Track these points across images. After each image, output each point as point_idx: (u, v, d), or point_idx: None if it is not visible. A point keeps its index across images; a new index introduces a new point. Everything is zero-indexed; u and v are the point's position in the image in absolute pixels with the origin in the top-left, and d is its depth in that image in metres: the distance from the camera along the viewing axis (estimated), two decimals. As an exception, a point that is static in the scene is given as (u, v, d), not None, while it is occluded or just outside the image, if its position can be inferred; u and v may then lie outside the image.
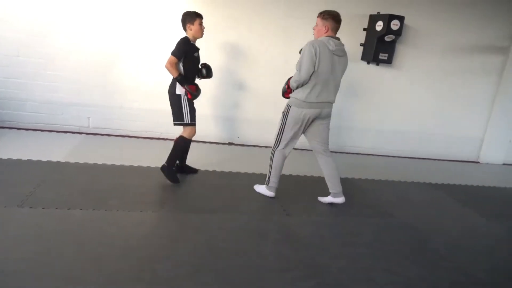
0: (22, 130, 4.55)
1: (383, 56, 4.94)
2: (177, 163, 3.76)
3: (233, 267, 2.41)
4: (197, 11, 3.55)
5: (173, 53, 3.34)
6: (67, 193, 3.09)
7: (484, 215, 3.77)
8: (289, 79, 3.33)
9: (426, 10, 5.18)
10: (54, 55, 4.49)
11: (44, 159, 3.72)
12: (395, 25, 4.72)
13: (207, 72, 3.67)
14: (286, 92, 3.40)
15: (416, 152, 5.82)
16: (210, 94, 4.94)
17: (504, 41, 5.52)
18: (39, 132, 4.57)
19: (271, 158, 3.43)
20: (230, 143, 5.17)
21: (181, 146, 3.59)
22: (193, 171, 3.92)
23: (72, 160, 3.79)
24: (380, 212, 3.54)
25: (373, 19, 4.95)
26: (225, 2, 4.66)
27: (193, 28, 3.45)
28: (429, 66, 5.45)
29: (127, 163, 3.89)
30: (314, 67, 3.08)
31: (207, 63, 3.71)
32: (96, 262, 2.26)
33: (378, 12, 4.94)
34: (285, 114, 3.29)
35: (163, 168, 3.55)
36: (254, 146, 5.19)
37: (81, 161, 3.80)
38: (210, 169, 4.06)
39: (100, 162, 3.82)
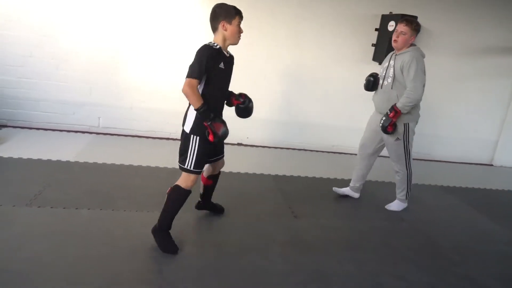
0: (34, 130, 4.61)
1: (394, 57, 4.87)
2: (199, 200, 3.03)
3: (237, 269, 2.39)
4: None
5: (189, 74, 2.30)
6: (75, 192, 3.11)
7: (496, 219, 3.67)
8: (394, 110, 3.12)
9: (439, 10, 5.08)
10: (66, 55, 4.54)
11: (54, 158, 3.76)
12: (407, 25, 4.65)
13: (243, 110, 2.75)
14: (391, 123, 3.15)
15: (429, 155, 5.72)
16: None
17: (520, 42, 5.38)
18: (51, 131, 4.63)
19: (408, 176, 3.45)
20: (239, 144, 5.15)
21: (176, 200, 2.49)
22: (219, 209, 3.11)
23: (81, 160, 3.82)
24: (389, 216, 3.48)
25: (385, 19, 4.87)
26: (236, 3, 4.63)
27: (229, 29, 2.43)
28: (442, 67, 5.34)
29: (135, 163, 3.91)
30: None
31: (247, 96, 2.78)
32: (101, 263, 2.27)
33: (390, 12, 4.86)
34: (406, 134, 3.26)
35: (153, 231, 2.52)
36: (263, 147, 5.17)
37: (91, 160, 3.83)
38: (218, 170, 4.05)
39: (109, 162, 3.85)
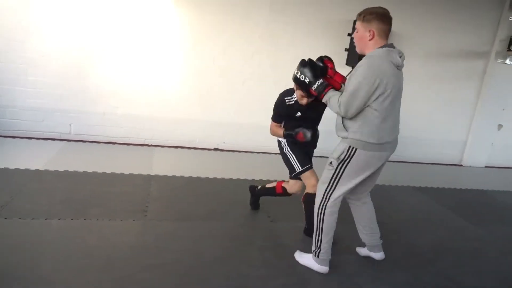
0: (1, 138, 4.41)
1: (367, 61, 4.96)
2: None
3: (218, 275, 2.36)
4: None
5: (272, 117, 2.91)
6: (45, 202, 3.00)
7: (468, 218, 3.79)
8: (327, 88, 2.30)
9: (410, 15, 5.24)
10: (35, 60, 4.39)
11: (23, 167, 3.61)
12: (379, 30, 4.75)
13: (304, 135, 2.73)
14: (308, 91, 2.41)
15: (400, 156, 5.84)
16: (194, 99, 4.90)
17: (485, 46, 5.61)
18: (19, 139, 4.45)
19: (318, 227, 2.45)
20: (215, 149, 5.12)
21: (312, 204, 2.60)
22: (255, 206, 3.39)
23: (51, 168, 3.69)
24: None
25: (357, 24, 4.97)
26: (211, 7, 4.63)
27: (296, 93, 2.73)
28: (412, 71, 5.49)
29: (109, 171, 3.80)
30: (374, 99, 2.18)
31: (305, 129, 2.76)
32: (73, 274, 2.19)
33: (362, 18, 4.97)
34: (344, 163, 2.35)
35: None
36: (240, 151, 5.15)
37: (61, 169, 3.70)
38: (194, 175, 4.00)
39: (81, 170, 3.73)
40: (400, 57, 2.29)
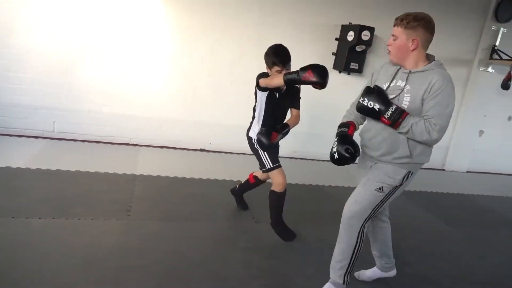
0: (-19, 134, 4.33)
1: (354, 65, 5.03)
2: (236, 186, 3.42)
3: (200, 276, 2.36)
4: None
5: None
6: (26, 201, 2.94)
7: (448, 221, 3.87)
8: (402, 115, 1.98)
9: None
10: (19, 56, 4.31)
11: (3, 165, 3.54)
12: (365, 35, 4.82)
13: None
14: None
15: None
16: (181, 99, 4.88)
17: (468, 55, 5.74)
18: (0, 136, 4.37)
19: (357, 247, 2.21)
20: (201, 150, 5.11)
21: (275, 201, 2.89)
22: (244, 205, 3.41)
23: (33, 166, 3.63)
24: (349, 220, 3.56)
25: (345, 29, 5.03)
26: (200, 7, 4.62)
27: (270, 72, 2.81)
28: (398, 76, 5.58)
29: (92, 170, 3.76)
30: None
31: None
32: (53, 274, 2.16)
33: (349, 23, 5.03)
34: (395, 188, 2.13)
35: (272, 225, 2.96)
36: (226, 152, 5.15)
37: (43, 167, 3.64)
38: (180, 176, 3.99)
39: (63, 169, 3.68)
40: None
